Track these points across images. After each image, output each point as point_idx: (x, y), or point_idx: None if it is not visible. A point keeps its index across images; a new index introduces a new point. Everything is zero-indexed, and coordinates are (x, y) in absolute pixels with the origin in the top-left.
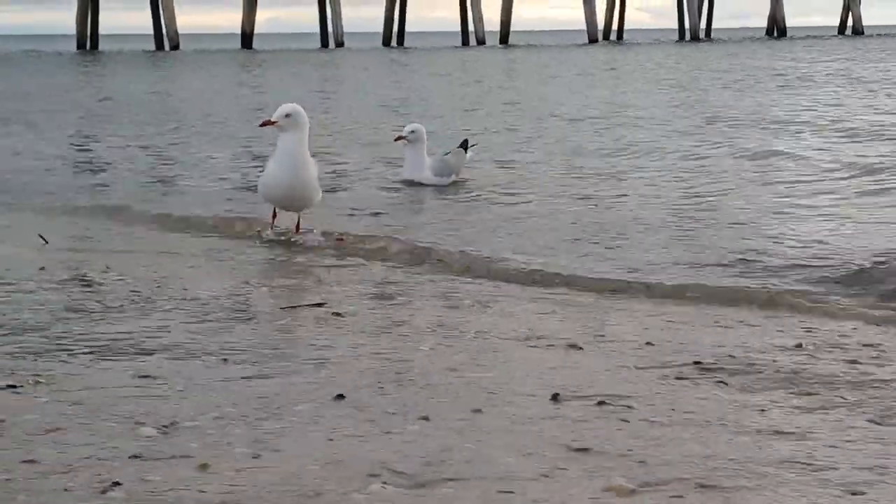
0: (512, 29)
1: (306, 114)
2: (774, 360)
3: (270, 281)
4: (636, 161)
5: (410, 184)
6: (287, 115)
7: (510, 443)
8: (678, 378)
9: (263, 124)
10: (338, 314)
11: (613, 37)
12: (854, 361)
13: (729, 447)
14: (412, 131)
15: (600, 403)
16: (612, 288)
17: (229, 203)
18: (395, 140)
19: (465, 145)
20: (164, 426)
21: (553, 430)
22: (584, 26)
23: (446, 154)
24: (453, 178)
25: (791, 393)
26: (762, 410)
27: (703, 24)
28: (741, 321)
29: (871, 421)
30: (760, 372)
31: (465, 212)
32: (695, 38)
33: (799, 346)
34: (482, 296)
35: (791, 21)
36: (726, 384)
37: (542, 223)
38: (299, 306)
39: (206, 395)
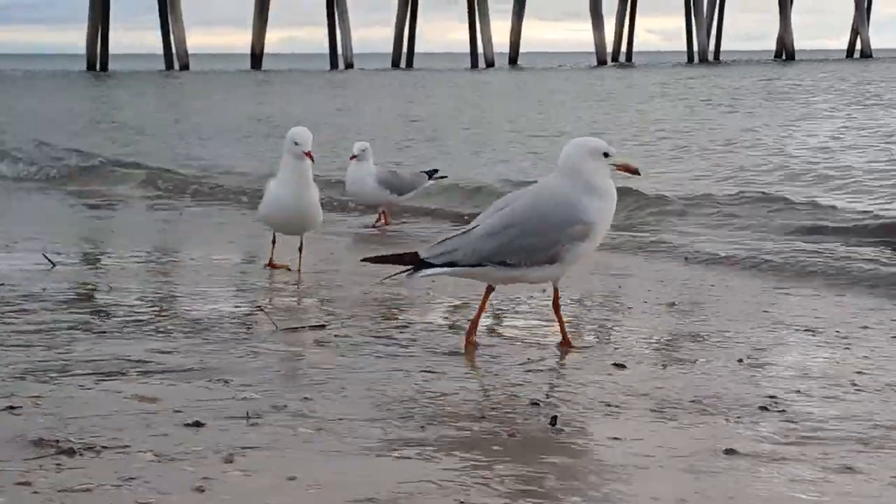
0: (521, 50)
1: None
2: None
3: (273, 302)
4: None
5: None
6: (363, 150)
7: None
8: None
9: (307, 155)
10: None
11: (622, 58)
12: None
13: None
14: (363, 150)
15: None
16: None
17: None
18: (350, 159)
19: (431, 173)
20: (159, 453)
21: None
22: (592, 48)
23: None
24: (395, 197)
25: None
26: None
27: (711, 47)
28: None
29: None
30: None
31: None
32: (703, 60)
33: None
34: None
35: (799, 44)
36: None
37: None
38: (301, 328)
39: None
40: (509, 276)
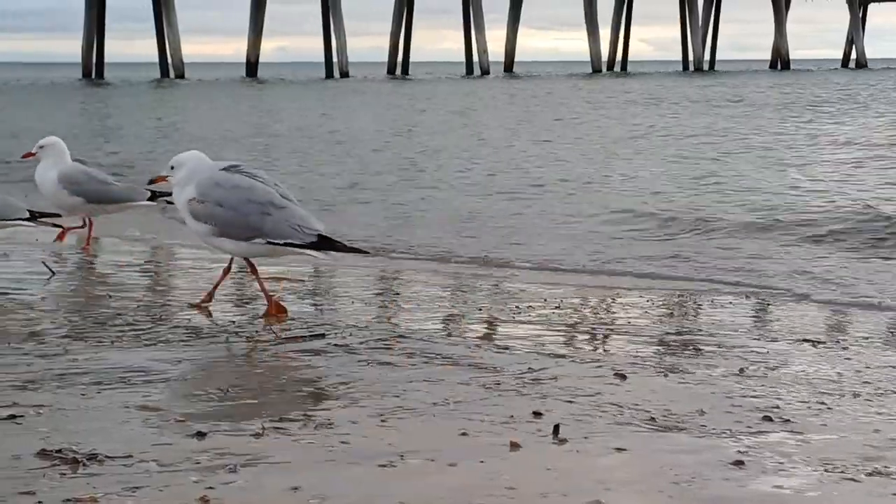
0: (516, 59)
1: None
2: None
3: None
4: None
5: None
6: (41, 147)
7: None
8: None
9: (25, 156)
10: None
11: (617, 68)
12: None
13: None
14: (41, 147)
15: None
16: None
17: None
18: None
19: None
20: (163, 463)
21: None
22: (587, 57)
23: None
24: (85, 204)
25: None
26: None
27: (706, 56)
28: None
29: None
30: None
31: None
32: (698, 69)
33: None
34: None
35: (794, 54)
36: None
37: None
38: (301, 338)
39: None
40: None
